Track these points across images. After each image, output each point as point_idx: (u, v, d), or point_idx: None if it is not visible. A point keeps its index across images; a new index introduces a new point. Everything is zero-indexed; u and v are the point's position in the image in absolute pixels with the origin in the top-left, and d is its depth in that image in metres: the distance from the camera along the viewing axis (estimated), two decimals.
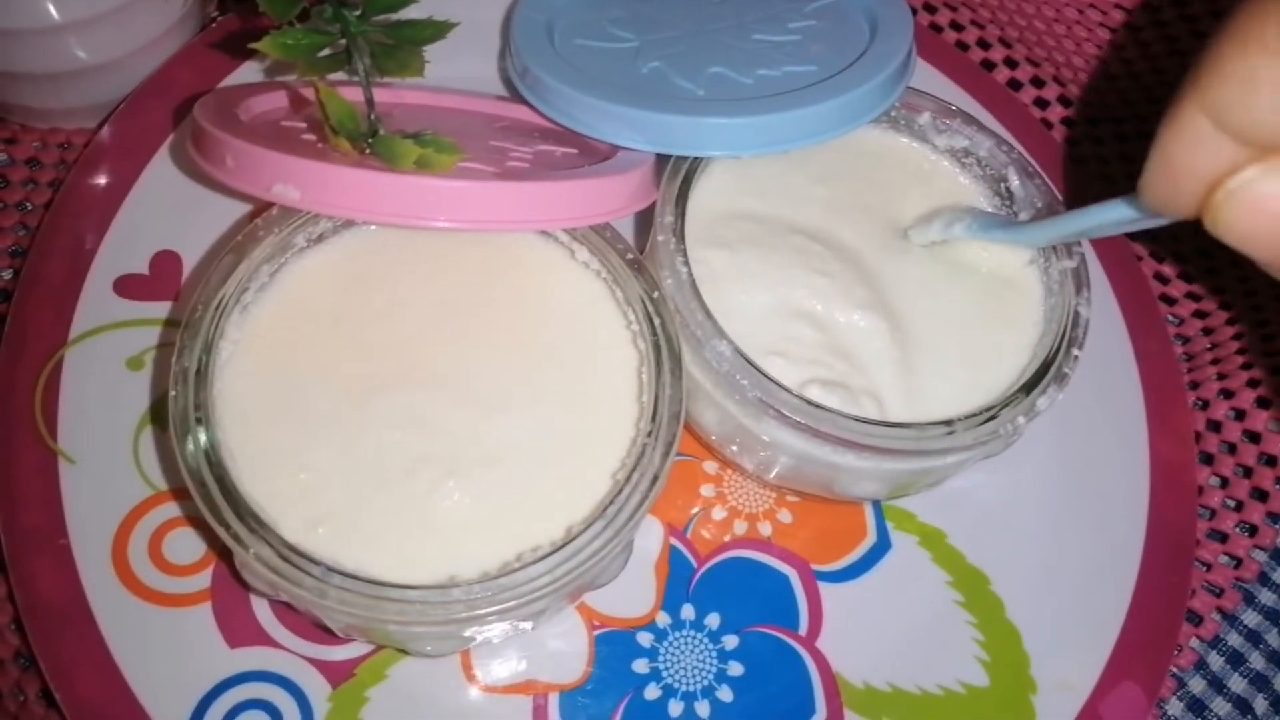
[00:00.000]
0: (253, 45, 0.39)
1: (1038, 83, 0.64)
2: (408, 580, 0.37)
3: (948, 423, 0.42)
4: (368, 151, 0.42)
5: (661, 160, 0.47)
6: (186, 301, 0.42)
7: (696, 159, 0.47)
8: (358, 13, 0.41)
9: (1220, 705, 0.50)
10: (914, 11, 0.54)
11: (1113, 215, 0.36)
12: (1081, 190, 0.60)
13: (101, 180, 0.54)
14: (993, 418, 0.42)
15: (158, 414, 0.49)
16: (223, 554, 0.46)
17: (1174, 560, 0.50)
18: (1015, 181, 0.49)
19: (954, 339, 0.46)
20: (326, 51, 0.41)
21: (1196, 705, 0.50)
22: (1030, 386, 0.43)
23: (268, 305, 0.44)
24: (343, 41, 0.41)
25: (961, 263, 0.47)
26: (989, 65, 0.65)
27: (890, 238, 0.49)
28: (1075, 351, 0.44)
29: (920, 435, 0.41)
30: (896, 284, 0.47)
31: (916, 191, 0.51)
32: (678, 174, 0.46)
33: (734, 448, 0.47)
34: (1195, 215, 0.29)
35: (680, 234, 0.44)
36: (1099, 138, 0.63)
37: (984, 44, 0.65)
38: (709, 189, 0.48)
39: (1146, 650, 0.48)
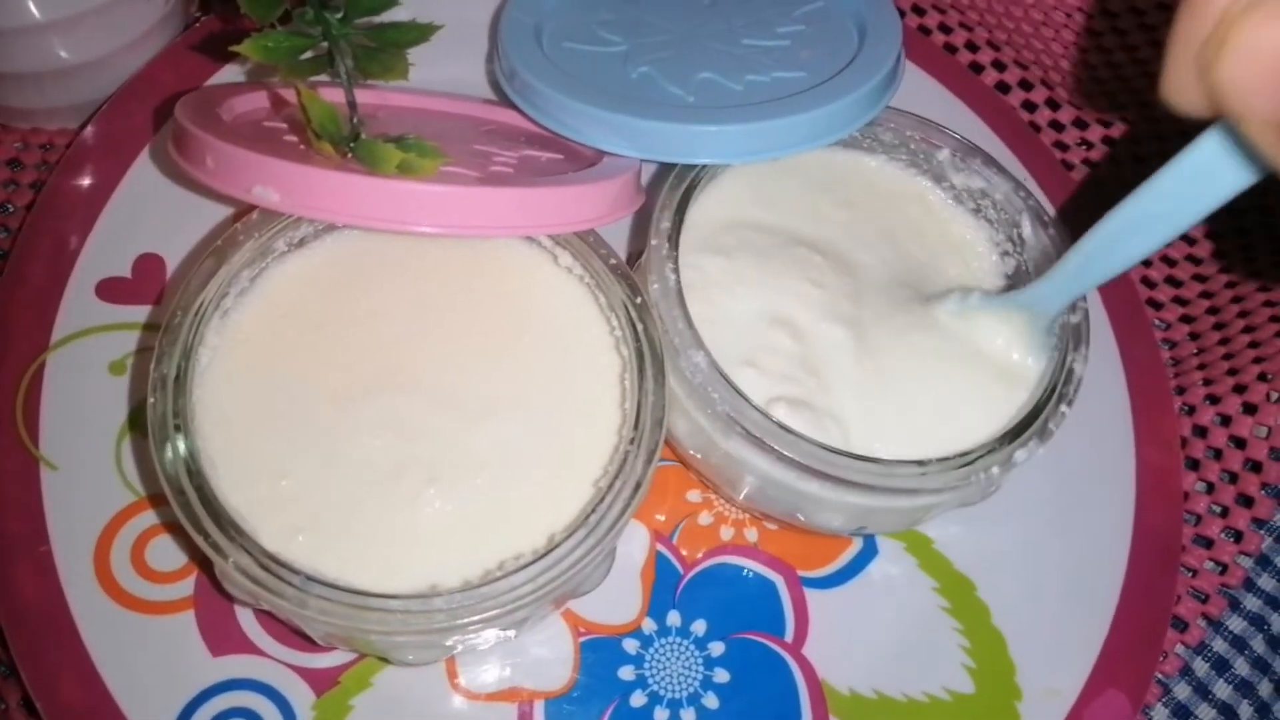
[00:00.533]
0: (234, 48, 0.39)
1: (1026, 85, 0.64)
2: (389, 589, 0.37)
3: (920, 462, 0.40)
4: (349, 155, 0.42)
5: (661, 168, 0.47)
6: (168, 305, 0.42)
7: (704, 167, 0.46)
8: (340, 15, 0.40)
9: (1205, 711, 0.50)
10: (902, 14, 0.54)
11: (1138, 210, 0.33)
12: (1072, 197, 0.60)
13: (84, 182, 0.53)
14: (968, 463, 0.41)
15: (136, 421, 0.48)
16: (203, 563, 0.46)
17: (1159, 566, 0.50)
18: (1028, 229, 0.48)
19: (925, 391, 0.44)
20: (309, 54, 0.41)
21: (1182, 711, 0.50)
22: (1012, 436, 0.42)
23: (248, 310, 0.44)
24: (325, 44, 0.41)
25: (968, 340, 0.45)
26: (977, 68, 0.65)
27: (904, 280, 0.47)
28: (1063, 409, 0.42)
29: (889, 472, 0.40)
30: (889, 319, 0.45)
31: (935, 236, 0.50)
32: (682, 181, 0.46)
33: (703, 461, 0.46)
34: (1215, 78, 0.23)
35: (674, 240, 0.44)
36: (1087, 141, 0.63)
37: (972, 46, 0.65)
38: (718, 197, 0.48)
39: (1132, 657, 0.48)
